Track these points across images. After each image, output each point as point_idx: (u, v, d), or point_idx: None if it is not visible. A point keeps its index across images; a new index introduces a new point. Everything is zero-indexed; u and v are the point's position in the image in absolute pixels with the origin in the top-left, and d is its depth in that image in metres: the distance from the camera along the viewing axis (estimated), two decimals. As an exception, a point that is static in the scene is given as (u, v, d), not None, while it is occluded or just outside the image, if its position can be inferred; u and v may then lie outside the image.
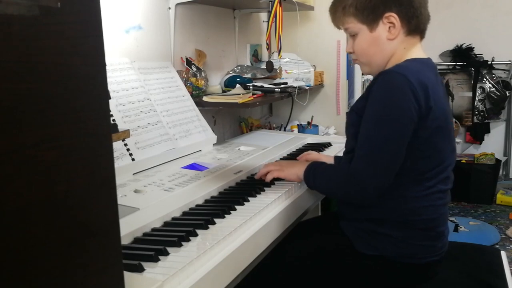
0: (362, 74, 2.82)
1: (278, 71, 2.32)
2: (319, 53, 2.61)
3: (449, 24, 3.94)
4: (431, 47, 3.87)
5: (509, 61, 3.83)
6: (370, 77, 3.03)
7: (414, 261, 1.18)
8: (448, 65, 3.97)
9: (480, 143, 4.03)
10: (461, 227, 3.08)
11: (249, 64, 2.48)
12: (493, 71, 3.84)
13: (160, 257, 0.85)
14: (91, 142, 0.56)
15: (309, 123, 2.50)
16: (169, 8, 1.83)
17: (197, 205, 1.16)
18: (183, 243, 0.91)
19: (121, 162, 1.33)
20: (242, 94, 1.93)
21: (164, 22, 1.82)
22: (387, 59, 1.23)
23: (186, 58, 1.88)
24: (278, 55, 2.12)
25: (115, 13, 1.58)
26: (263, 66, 2.34)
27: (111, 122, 1.09)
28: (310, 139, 2.04)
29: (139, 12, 1.69)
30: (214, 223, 1.03)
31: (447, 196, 1.22)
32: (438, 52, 4.00)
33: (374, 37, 1.21)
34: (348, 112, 1.28)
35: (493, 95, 3.82)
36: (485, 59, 3.83)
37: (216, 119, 2.16)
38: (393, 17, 1.18)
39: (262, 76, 2.23)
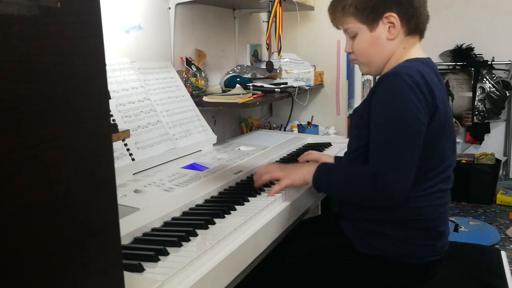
0: (362, 74, 2.82)
1: (278, 71, 2.32)
2: (319, 53, 2.61)
3: (449, 24, 3.94)
4: (431, 47, 3.87)
5: (509, 61, 3.83)
6: (371, 77, 3.03)
7: (414, 261, 1.18)
8: (448, 65, 3.97)
9: (480, 143, 4.03)
10: (461, 227, 3.08)
11: (249, 64, 2.48)
12: (493, 71, 3.84)
13: (160, 257, 0.85)
14: (91, 142, 0.56)
15: (309, 123, 2.50)
16: (169, 8, 1.83)
17: (197, 205, 1.16)
18: (183, 243, 0.91)
19: (121, 162, 1.33)
20: (242, 94, 1.93)
21: (164, 22, 1.82)
22: (386, 59, 1.23)
23: (186, 58, 1.88)
24: (278, 55, 2.12)
25: (115, 13, 1.58)
26: (263, 66, 2.34)
27: (111, 122, 1.09)
28: (310, 139, 2.04)
29: (139, 12, 1.69)
30: (214, 223, 1.03)
31: (448, 195, 1.22)
32: (438, 52, 4.00)
33: (374, 37, 1.21)
34: (351, 114, 1.26)
35: (493, 95, 3.82)
36: (485, 59, 3.83)
37: (216, 119, 2.16)
38: (393, 17, 1.18)
39: (262, 76, 2.23)
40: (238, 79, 2.10)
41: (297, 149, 1.83)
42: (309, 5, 2.51)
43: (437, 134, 1.13)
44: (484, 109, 3.87)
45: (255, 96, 1.94)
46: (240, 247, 0.95)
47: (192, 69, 1.88)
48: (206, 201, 1.20)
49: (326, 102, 2.65)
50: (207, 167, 1.46)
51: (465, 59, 3.89)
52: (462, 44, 3.91)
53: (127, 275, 0.66)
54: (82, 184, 0.55)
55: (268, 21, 2.02)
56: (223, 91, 2.07)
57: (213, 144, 1.77)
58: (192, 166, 1.46)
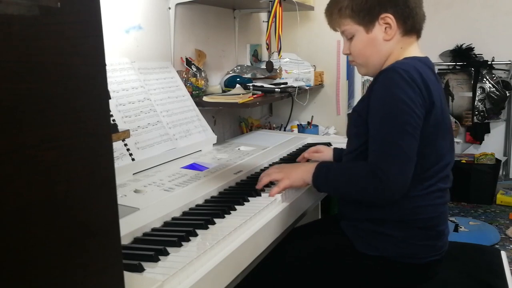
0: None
1: (278, 71, 2.32)
2: (319, 53, 2.61)
3: (449, 24, 3.94)
4: (431, 47, 3.87)
5: (509, 61, 3.83)
6: (370, 78, 3.03)
7: (415, 261, 1.18)
8: (448, 65, 3.97)
9: (480, 143, 4.03)
10: (461, 227, 3.08)
11: (249, 64, 2.48)
12: (493, 71, 3.84)
13: (160, 257, 0.85)
14: (91, 142, 0.56)
15: (309, 123, 2.50)
16: (169, 8, 1.83)
17: (197, 205, 1.16)
18: (183, 243, 0.91)
19: (121, 162, 1.33)
20: (242, 94, 1.93)
21: (164, 22, 1.82)
22: (384, 60, 1.23)
23: (186, 58, 1.88)
24: (278, 55, 2.12)
25: (115, 13, 1.58)
26: (263, 66, 2.34)
27: (111, 122, 1.09)
28: (310, 139, 2.04)
29: (139, 12, 1.69)
30: (214, 223, 1.03)
31: (447, 195, 1.23)
32: (438, 52, 4.00)
33: (371, 38, 1.21)
34: (349, 113, 1.27)
35: (493, 95, 3.82)
36: (485, 59, 3.83)
37: (216, 119, 2.16)
38: (389, 17, 1.19)
39: (262, 76, 2.23)
40: (238, 79, 2.10)
41: (297, 149, 1.83)
42: (309, 5, 2.51)
43: (434, 132, 1.13)
44: (484, 109, 3.87)
45: (255, 96, 1.94)
46: (240, 247, 0.95)
47: (192, 69, 1.88)
48: (206, 201, 1.20)
49: (326, 102, 2.65)
50: (207, 167, 1.46)
51: (465, 59, 3.89)
52: (462, 44, 3.91)
53: (127, 275, 0.66)
54: (82, 184, 0.55)
55: (268, 21, 2.02)
56: (223, 91, 2.07)
57: (213, 144, 1.77)
58: (192, 166, 1.46)
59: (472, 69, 3.85)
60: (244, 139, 1.98)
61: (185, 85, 1.79)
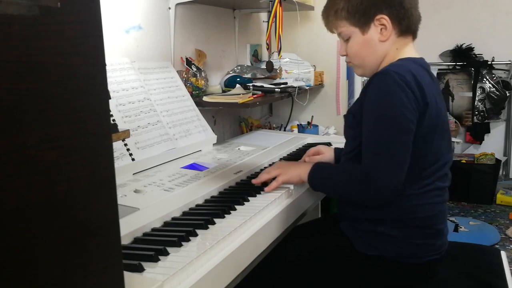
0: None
1: (278, 71, 2.32)
2: (319, 53, 2.61)
3: (449, 24, 3.94)
4: (431, 47, 3.87)
5: (509, 61, 3.83)
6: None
7: (414, 260, 1.18)
8: (448, 65, 3.97)
9: (480, 143, 4.03)
10: (461, 227, 3.08)
11: (249, 64, 2.48)
12: (493, 71, 3.84)
13: (160, 257, 0.85)
14: (91, 142, 0.56)
15: (309, 123, 2.50)
16: (169, 8, 1.83)
17: (197, 205, 1.16)
18: (183, 243, 0.91)
19: (121, 162, 1.33)
20: (242, 94, 1.93)
21: (164, 22, 1.82)
22: (380, 61, 1.24)
23: (186, 58, 1.88)
24: (278, 55, 2.12)
25: (115, 13, 1.58)
26: (263, 66, 2.34)
27: (111, 122, 1.09)
28: (310, 139, 2.04)
29: (139, 12, 1.69)
30: (214, 223, 1.03)
31: (445, 193, 1.23)
32: (438, 52, 4.00)
33: (367, 39, 1.22)
34: (345, 115, 1.27)
35: (493, 95, 3.82)
36: (485, 59, 3.83)
37: (216, 119, 2.16)
38: (384, 19, 1.19)
39: (262, 76, 2.23)
40: (238, 79, 2.10)
41: (297, 149, 1.83)
42: (309, 5, 2.51)
43: (429, 132, 1.13)
44: (484, 109, 3.87)
45: (255, 96, 1.94)
46: (240, 247, 0.95)
47: (192, 69, 1.88)
48: (206, 201, 1.20)
49: (326, 102, 2.65)
50: (207, 167, 1.46)
51: (465, 59, 3.89)
52: (462, 44, 3.91)
53: (127, 275, 0.66)
54: (82, 184, 0.55)
55: (268, 21, 2.02)
56: (223, 91, 2.07)
57: (213, 144, 1.77)
58: (192, 166, 1.46)
59: (472, 69, 3.85)
60: (244, 139, 1.98)
61: (185, 85, 1.79)
